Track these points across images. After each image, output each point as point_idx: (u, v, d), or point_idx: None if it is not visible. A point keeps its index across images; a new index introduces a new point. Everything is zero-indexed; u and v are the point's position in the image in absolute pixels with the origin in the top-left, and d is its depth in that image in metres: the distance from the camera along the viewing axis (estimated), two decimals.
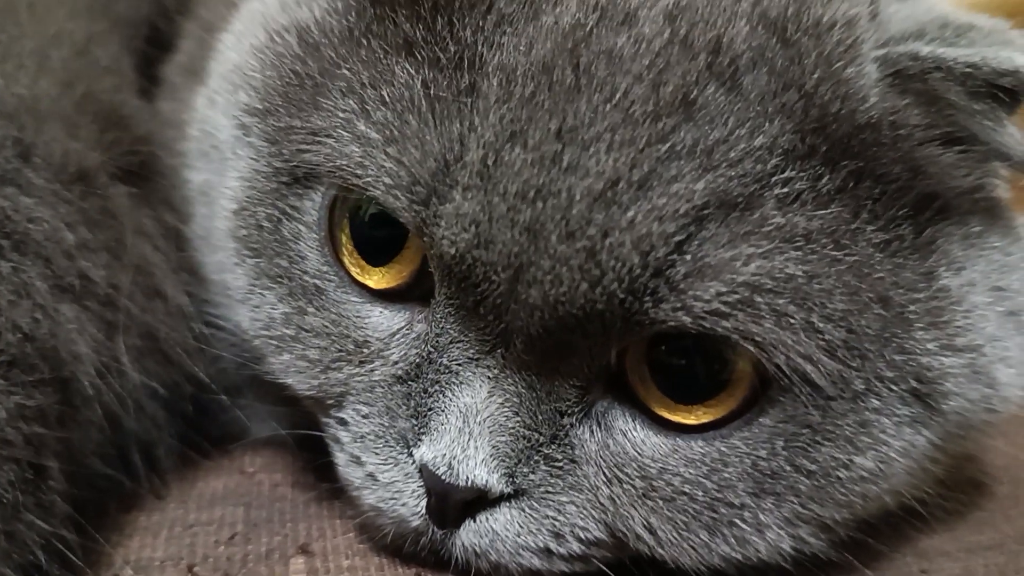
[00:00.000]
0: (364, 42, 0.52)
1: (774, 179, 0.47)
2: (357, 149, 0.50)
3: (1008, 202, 0.60)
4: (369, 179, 0.49)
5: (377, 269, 0.54)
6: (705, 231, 0.46)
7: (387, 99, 0.49)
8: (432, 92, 0.48)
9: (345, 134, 0.50)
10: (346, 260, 0.54)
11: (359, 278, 0.54)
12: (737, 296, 0.46)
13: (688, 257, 0.46)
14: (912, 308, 0.49)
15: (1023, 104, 0.51)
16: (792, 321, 0.46)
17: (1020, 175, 0.57)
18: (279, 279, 0.55)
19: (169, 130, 0.66)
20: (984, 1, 1.30)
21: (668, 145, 0.46)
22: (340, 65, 0.52)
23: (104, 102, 0.62)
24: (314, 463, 0.59)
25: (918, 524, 0.59)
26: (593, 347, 0.48)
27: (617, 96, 0.46)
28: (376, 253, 0.54)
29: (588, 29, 0.47)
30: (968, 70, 0.48)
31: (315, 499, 0.61)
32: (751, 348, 0.47)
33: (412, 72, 0.49)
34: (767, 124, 0.47)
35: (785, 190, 0.47)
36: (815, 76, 0.47)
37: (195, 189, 0.62)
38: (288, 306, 0.55)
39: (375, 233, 0.53)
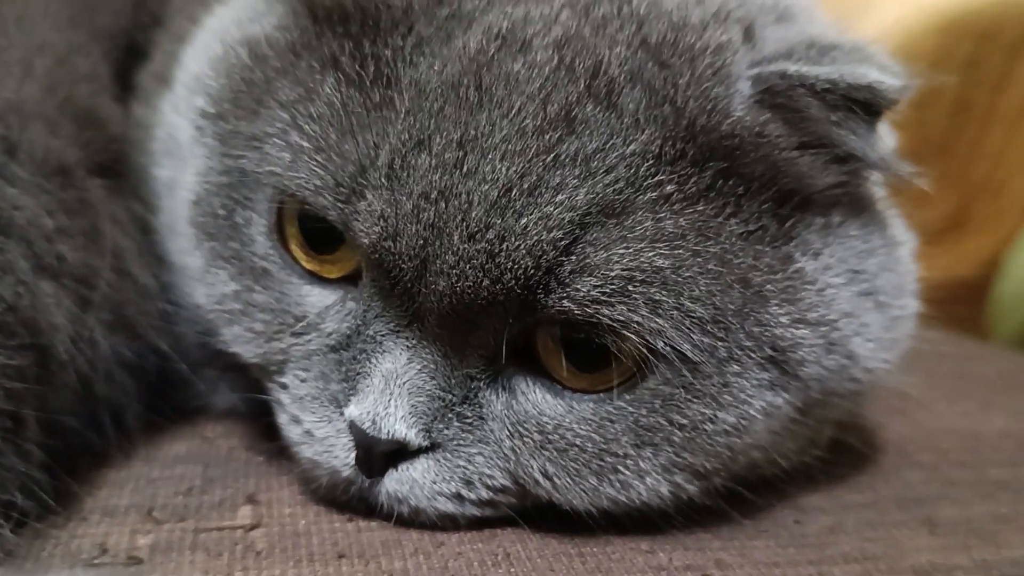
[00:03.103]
0: (303, 55, 0.60)
1: (646, 183, 0.54)
2: (288, 155, 0.58)
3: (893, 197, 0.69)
4: (299, 181, 0.57)
5: (327, 258, 0.61)
6: (588, 235, 0.54)
7: (314, 115, 0.57)
8: (350, 108, 0.56)
9: (279, 142, 0.58)
10: (295, 251, 0.61)
11: (310, 267, 0.61)
12: (613, 287, 0.54)
13: (573, 258, 0.54)
14: (769, 287, 0.57)
15: (883, 111, 0.59)
16: (665, 306, 0.54)
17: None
18: (231, 260, 0.62)
19: (140, 131, 0.73)
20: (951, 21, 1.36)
21: (553, 155, 0.54)
22: (279, 79, 0.60)
23: (82, 105, 0.69)
24: (264, 426, 0.67)
25: (797, 483, 0.66)
26: (495, 325, 0.56)
27: (512, 112, 0.54)
28: (323, 243, 0.61)
29: (491, 55, 0.55)
30: (828, 86, 0.55)
31: (265, 459, 0.68)
32: (631, 335, 0.54)
33: (335, 89, 0.57)
34: (640, 133, 0.55)
35: (655, 194, 0.55)
36: (687, 93, 0.55)
37: (161, 184, 0.70)
38: (238, 284, 0.62)
39: (320, 226, 0.60)
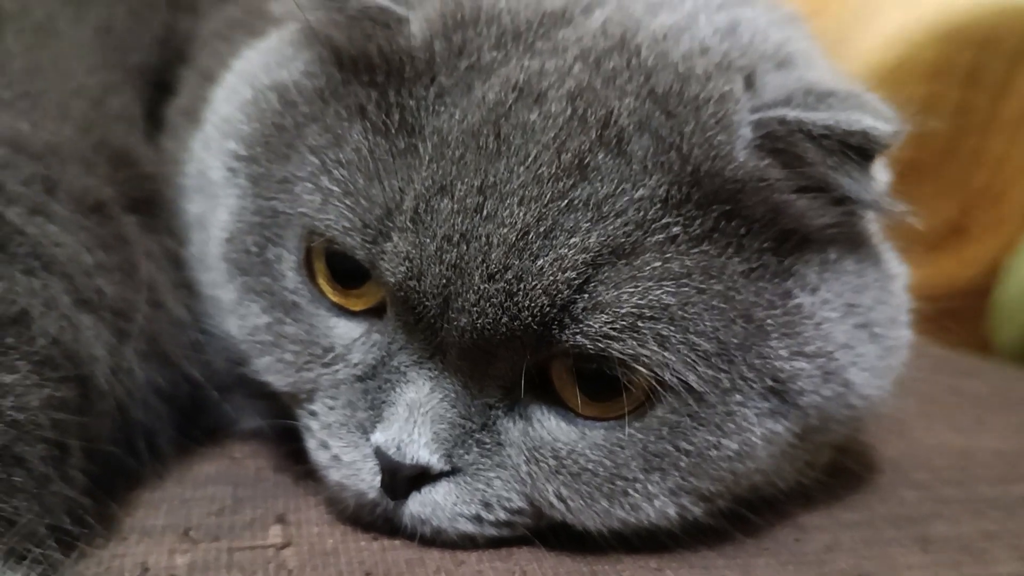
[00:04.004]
0: (331, 102, 0.63)
1: (654, 226, 0.58)
2: (318, 198, 0.61)
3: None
4: (329, 222, 0.61)
5: (353, 292, 0.64)
6: (600, 275, 0.57)
7: (343, 160, 0.61)
8: (377, 154, 0.60)
9: (310, 185, 0.62)
10: (323, 285, 0.65)
11: (336, 300, 0.65)
12: (624, 323, 0.57)
13: (586, 296, 0.57)
14: (769, 322, 0.60)
15: (877, 154, 0.62)
16: (672, 340, 0.58)
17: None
18: (263, 294, 0.66)
19: (170, 166, 0.77)
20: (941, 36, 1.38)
21: (567, 200, 0.57)
22: (309, 124, 0.64)
23: (116, 145, 0.73)
24: (291, 449, 0.70)
25: (796, 503, 0.70)
26: (513, 358, 0.60)
27: (528, 160, 0.58)
28: (349, 278, 0.64)
29: (508, 105, 0.59)
30: (824, 131, 0.58)
31: (292, 480, 0.71)
32: (641, 368, 0.58)
33: (363, 136, 0.61)
34: (648, 179, 0.58)
35: (663, 235, 0.58)
36: (692, 141, 0.59)
37: (192, 218, 0.74)
38: (269, 316, 0.66)
39: (347, 265, 0.63)
